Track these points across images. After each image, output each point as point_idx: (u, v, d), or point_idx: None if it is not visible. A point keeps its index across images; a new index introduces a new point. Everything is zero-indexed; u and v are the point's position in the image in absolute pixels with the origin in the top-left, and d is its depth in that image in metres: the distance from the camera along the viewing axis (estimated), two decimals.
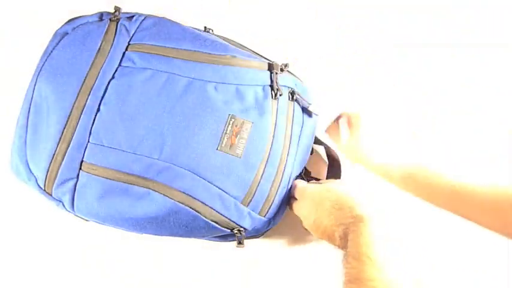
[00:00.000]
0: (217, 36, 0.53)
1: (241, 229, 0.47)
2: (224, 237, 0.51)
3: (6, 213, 0.62)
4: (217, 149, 0.45)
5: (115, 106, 0.46)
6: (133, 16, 0.50)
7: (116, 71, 0.47)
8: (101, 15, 0.51)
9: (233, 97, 0.47)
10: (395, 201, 0.56)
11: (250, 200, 0.47)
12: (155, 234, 0.48)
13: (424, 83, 0.69)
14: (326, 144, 0.61)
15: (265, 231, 0.52)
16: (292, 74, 0.53)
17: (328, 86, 0.66)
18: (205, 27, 0.55)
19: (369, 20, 0.73)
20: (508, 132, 0.66)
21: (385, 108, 0.67)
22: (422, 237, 0.57)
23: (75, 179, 0.46)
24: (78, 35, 0.49)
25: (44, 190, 0.47)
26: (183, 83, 0.46)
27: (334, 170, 0.58)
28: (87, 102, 0.46)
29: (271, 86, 0.48)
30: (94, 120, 0.46)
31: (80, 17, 0.51)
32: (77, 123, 0.45)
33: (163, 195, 0.44)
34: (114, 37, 0.48)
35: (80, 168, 0.46)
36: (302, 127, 0.52)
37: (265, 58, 0.52)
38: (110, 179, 0.45)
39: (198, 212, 0.45)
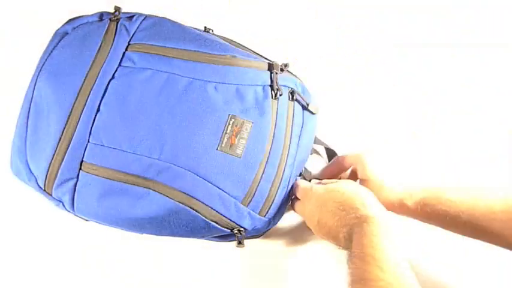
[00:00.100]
0: (217, 36, 0.53)
1: (241, 229, 0.47)
2: (224, 237, 0.51)
3: (6, 213, 0.62)
4: (217, 149, 0.45)
5: (115, 106, 0.46)
6: (133, 16, 0.50)
7: (116, 71, 0.47)
8: (101, 15, 0.51)
9: (233, 97, 0.47)
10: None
11: (250, 200, 0.47)
12: (155, 234, 0.48)
13: (424, 83, 0.69)
14: (326, 144, 0.61)
15: (265, 231, 0.52)
16: (292, 74, 0.53)
17: (328, 86, 0.66)
18: (205, 27, 0.55)
19: (369, 20, 0.73)
20: (508, 132, 0.66)
21: (385, 108, 0.67)
22: (426, 237, 0.57)
23: (75, 179, 0.46)
24: (78, 35, 0.49)
25: (44, 190, 0.47)
26: (183, 83, 0.46)
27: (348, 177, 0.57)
28: (87, 102, 0.46)
29: (271, 86, 0.48)
30: (94, 120, 0.46)
31: (80, 17, 0.51)
32: (77, 123, 0.45)
33: (163, 195, 0.44)
34: (114, 37, 0.48)
35: (80, 168, 0.46)
36: (302, 127, 0.52)
37: (265, 58, 0.52)
38: (109, 179, 0.45)
39: (198, 212, 0.45)
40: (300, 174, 0.54)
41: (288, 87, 0.50)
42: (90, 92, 0.46)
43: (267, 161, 0.47)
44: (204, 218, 0.45)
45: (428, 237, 0.57)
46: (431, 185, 0.49)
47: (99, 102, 0.46)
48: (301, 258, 0.59)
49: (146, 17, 0.51)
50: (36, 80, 0.48)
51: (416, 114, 0.67)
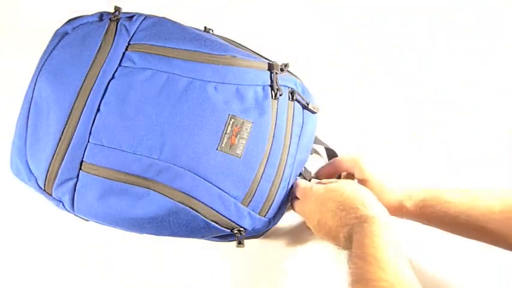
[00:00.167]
0: (217, 36, 0.53)
1: (241, 229, 0.47)
2: (224, 237, 0.51)
3: (6, 213, 0.62)
4: (217, 149, 0.45)
5: (115, 106, 0.46)
6: (133, 16, 0.50)
7: (116, 71, 0.47)
8: (101, 15, 0.51)
9: (233, 97, 0.47)
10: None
11: (250, 200, 0.47)
12: (155, 234, 0.48)
13: (424, 83, 0.69)
14: (326, 144, 0.61)
15: (265, 231, 0.52)
16: (292, 74, 0.53)
17: (328, 86, 0.66)
18: (205, 27, 0.55)
19: (369, 20, 0.73)
20: (508, 132, 0.66)
21: (385, 108, 0.67)
22: (426, 236, 0.57)
23: (75, 179, 0.46)
24: (78, 35, 0.49)
25: (44, 190, 0.47)
26: (183, 83, 0.46)
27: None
28: (87, 102, 0.46)
29: (271, 86, 0.48)
30: (94, 120, 0.46)
31: (80, 17, 0.51)
32: (77, 123, 0.45)
33: (163, 195, 0.44)
34: (114, 37, 0.48)
35: (80, 168, 0.46)
36: (302, 127, 0.52)
37: (265, 58, 0.52)
38: (109, 179, 0.45)
39: (198, 212, 0.45)
40: (300, 174, 0.54)
41: (288, 87, 0.50)
42: (90, 92, 0.46)
43: (267, 161, 0.47)
44: (204, 218, 0.45)
45: (428, 237, 0.57)
46: (431, 187, 0.49)
47: (99, 102, 0.46)
48: (301, 258, 0.59)
49: (146, 17, 0.51)
50: (36, 80, 0.48)
51: (416, 114, 0.67)
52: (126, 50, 0.48)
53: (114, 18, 0.49)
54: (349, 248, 0.41)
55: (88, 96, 0.46)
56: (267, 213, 0.48)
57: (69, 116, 0.46)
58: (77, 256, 0.59)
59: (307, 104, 0.52)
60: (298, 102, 0.51)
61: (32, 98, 0.47)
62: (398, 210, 0.48)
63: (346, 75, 0.69)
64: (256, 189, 0.47)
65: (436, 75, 0.69)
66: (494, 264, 0.57)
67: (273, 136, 0.48)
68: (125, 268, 0.59)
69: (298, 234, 0.60)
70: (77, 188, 0.46)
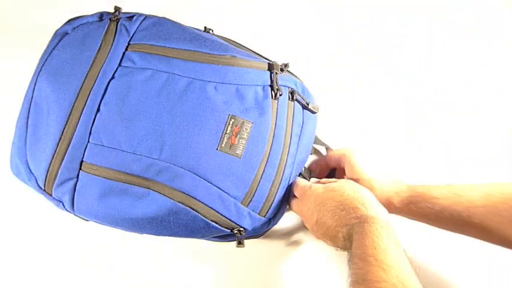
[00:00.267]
0: (217, 36, 0.53)
1: (241, 229, 0.47)
2: (224, 237, 0.51)
3: (6, 213, 0.62)
4: (217, 149, 0.45)
5: (115, 106, 0.46)
6: (133, 16, 0.50)
7: (116, 71, 0.47)
8: (101, 15, 0.51)
9: (233, 97, 0.47)
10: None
11: (250, 200, 0.47)
12: (155, 234, 0.48)
13: (424, 83, 0.69)
14: (326, 144, 0.61)
15: (265, 231, 0.52)
16: (292, 74, 0.53)
17: (328, 86, 0.66)
18: (205, 27, 0.55)
19: (369, 20, 0.73)
20: (508, 132, 0.66)
21: (385, 108, 0.67)
22: (426, 236, 0.57)
23: (75, 179, 0.46)
24: (78, 35, 0.49)
25: (44, 190, 0.47)
26: (183, 83, 0.46)
27: (334, 169, 0.58)
28: (87, 102, 0.46)
29: (271, 86, 0.48)
30: (94, 120, 0.46)
31: (80, 17, 0.51)
32: (77, 123, 0.46)
33: (163, 195, 0.44)
34: (114, 37, 0.48)
35: (80, 168, 0.46)
36: (302, 127, 0.52)
37: (265, 58, 0.52)
38: (109, 179, 0.45)
39: (198, 212, 0.45)
40: (300, 174, 0.54)
41: (288, 87, 0.50)
42: (90, 92, 0.46)
43: (267, 161, 0.47)
44: (203, 218, 0.45)
45: (428, 237, 0.57)
46: (417, 183, 0.50)
47: (99, 102, 0.46)
48: (301, 258, 0.59)
49: (146, 17, 0.51)
50: (36, 80, 0.48)
51: (416, 114, 0.67)
52: (126, 50, 0.48)
53: (114, 18, 0.50)
54: (347, 248, 0.41)
55: (88, 96, 0.46)
56: (267, 213, 0.48)
57: (69, 116, 0.46)
58: (77, 256, 0.59)
59: (307, 104, 0.52)
60: (298, 102, 0.51)
61: (32, 98, 0.47)
62: (385, 207, 0.49)
63: (346, 75, 0.69)
64: (256, 189, 0.47)
65: (436, 75, 0.69)
66: (494, 264, 0.57)
67: (273, 136, 0.48)
68: (124, 268, 0.59)
69: (298, 234, 0.60)
70: (77, 188, 0.46)
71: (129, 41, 0.48)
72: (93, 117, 0.46)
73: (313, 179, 0.53)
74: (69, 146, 0.45)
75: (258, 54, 0.53)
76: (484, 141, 0.65)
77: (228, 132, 0.45)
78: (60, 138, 0.46)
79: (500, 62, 0.70)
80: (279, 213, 0.51)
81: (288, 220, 0.60)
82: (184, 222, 0.45)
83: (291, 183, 0.51)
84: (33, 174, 0.47)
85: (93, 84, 0.46)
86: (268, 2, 0.74)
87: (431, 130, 0.66)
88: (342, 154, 0.52)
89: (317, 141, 0.59)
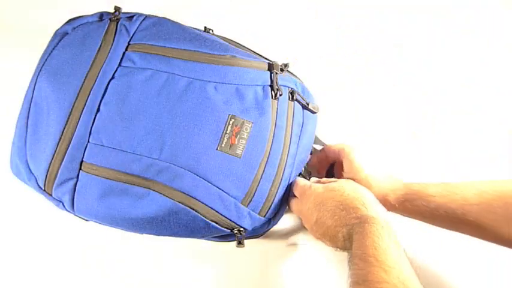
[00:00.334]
0: (217, 36, 0.53)
1: (241, 229, 0.47)
2: (224, 237, 0.51)
3: (6, 213, 0.62)
4: (217, 149, 0.45)
5: (115, 106, 0.46)
6: (133, 16, 0.50)
7: (116, 71, 0.47)
8: (101, 15, 0.51)
9: (233, 97, 0.47)
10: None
11: (250, 200, 0.47)
12: (155, 234, 0.48)
13: (424, 83, 0.69)
14: (326, 145, 0.61)
15: (265, 231, 0.52)
16: (292, 74, 0.53)
17: (328, 86, 0.66)
18: (205, 27, 0.55)
19: (369, 20, 0.73)
20: (508, 132, 0.66)
21: (385, 108, 0.67)
22: (426, 236, 0.57)
23: (75, 179, 0.46)
24: (78, 35, 0.49)
25: (44, 190, 0.47)
26: (183, 83, 0.46)
27: (334, 169, 0.58)
28: (87, 102, 0.46)
29: (271, 86, 0.48)
30: (94, 120, 0.46)
31: (80, 17, 0.51)
32: (77, 123, 0.45)
33: (163, 195, 0.44)
34: (114, 37, 0.48)
35: (80, 168, 0.46)
36: (302, 127, 0.52)
37: (265, 58, 0.52)
38: (109, 179, 0.45)
39: (198, 212, 0.45)
40: (300, 174, 0.54)
41: (288, 87, 0.50)
42: (90, 92, 0.46)
43: (267, 161, 0.47)
44: (203, 218, 0.45)
45: (428, 237, 0.57)
46: (413, 181, 0.50)
47: (99, 102, 0.46)
48: (301, 258, 0.59)
49: (146, 17, 0.51)
50: (36, 80, 0.48)
51: (416, 114, 0.67)
52: (126, 50, 0.48)
53: (114, 18, 0.49)
54: (347, 249, 0.41)
55: (88, 96, 0.46)
56: (267, 213, 0.48)
57: (69, 116, 0.46)
58: (77, 256, 0.59)
59: (307, 104, 0.52)
60: (298, 102, 0.51)
61: (32, 98, 0.47)
62: (381, 204, 0.49)
63: (346, 75, 0.69)
64: (256, 189, 0.47)
65: (436, 75, 0.69)
66: (494, 265, 0.57)
67: (273, 136, 0.48)
68: (125, 268, 0.59)
69: (298, 235, 0.60)
70: (77, 188, 0.46)
71: (129, 41, 0.48)
72: (93, 117, 0.46)
73: (313, 179, 0.53)
74: (69, 146, 0.45)
75: (258, 54, 0.53)
76: (484, 141, 0.65)
77: (228, 132, 0.45)
78: (60, 138, 0.46)
79: (500, 62, 0.70)
80: (279, 213, 0.51)
81: (288, 220, 0.60)
82: (184, 222, 0.45)
83: (291, 183, 0.51)
84: (33, 174, 0.47)
85: (93, 84, 0.46)
86: (268, 2, 0.74)
87: (431, 130, 0.66)
88: (341, 148, 0.52)
89: (317, 141, 0.59)
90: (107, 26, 0.49)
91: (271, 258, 0.59)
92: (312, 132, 0.55)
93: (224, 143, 0.45)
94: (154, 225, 0.46)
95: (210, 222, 0.45)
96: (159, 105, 0.45)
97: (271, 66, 0.49)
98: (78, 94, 0.46)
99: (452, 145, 0.65)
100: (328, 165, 0.58)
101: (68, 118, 0.46)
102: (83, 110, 0.46)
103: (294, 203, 0.50)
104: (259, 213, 0.48)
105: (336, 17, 0.73)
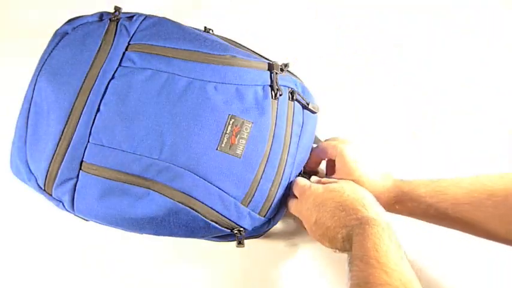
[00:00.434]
0: (217, 36, 0.53)
1: (241, 229, 0.47)
2: (224, 237, 0.51)
3: (6, 213, 0.62)
4: (217, 149, 0.45)
5: (115, 106, 0.46)
6: (133, 16, 0.50)
7: (116, 71, 0.47)
8: (101, 15, 0.51)
9: (233, 97, 0.47)
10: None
11: (250, 200, 0.47)
12: (155, 234, 0.48)
13: (424, 83, 0.69)
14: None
15: (265, 231, 0.52)
16: (292, 73, 0.53)
17: (328, 86, 0.66)
18: (205, 27, 0.55)
19: (369, 20, 0.73)
20: (508, 132, 0.66)
21: (385, 108, 0.67)
22: (427, 237, 0.57)
23: (75, 179, 0.46)
24: (78, 35, 0.49)
25: (44, 190, 0.47)
26: (183, 83, 0.46)
27: (327, 166, 0.58)
28: (87, 102, 0.46)
29: (271, 86, 0.48)
30: (94, 120, 0.46)
31: (80, 17, 0.51)
32: (77, 123, 0.46)
33: (163, 195, 0.44)
34: (114, 37, 0.48)
35: (80, 168, 0.46)
36: (302, 127, 0.52)
37: (265, 58, 0.52)
38: (109, 179, 0.45)
39: (198, 212, 0.45)
40: (300, 174, 0.54)
41: (288, 87, 0.50)
42: (90, 92, 0.46)
43: (267, 161, 0.47)
44: (203, 218, 0.45)
45: (429, 238, 0.57)
46: (404, 179, 0.50)
47: (99, 102, 0.46)
48: (301, 258, 0.59)
49: (146, 17, 0.51)
50: (36, 80, 0.48)
51: (416, 114, 0.67)
52: (126, 50, 0.48)
53: (114, 18, 0.50)
54: (346, 250, 0.41)
55: (88, 96, 0.46)
56: (267, 213, 0.48)
57: (69, 116, 0.46)
58: (77, 256, 0.59)
59: (307, 104, 0.52)
60: (298, 102, 0.51)
61: (32, 98, 0.47)
62: None
63: (346, 75, 0.69)
64: (256, 189, 0.47)
65: (436, 75, 0.69)
66: (495, 268, 0.57)
67: (273, 136, 0.48)
68: (125, 268, 0.59)
69: (298, 235, 0.60)
70: (76, 188, 0.46)
71: (129, 41, 0.48)
72: (93, 117, 0.46)
73: (313, 178, 0.52)
74: (69, 146, 0.45)
75: (258, 54, 0.53)
76: (484, 141, 0.65)
77: (228, 132, 0.45)
78: (60, 138, 0.46)
79: (500, 62, 0.70)
80: (279, 213, 0.51)
81: (288, 220, 0.60)
82: (184, 222, 0.45)
83: (291, 183, 0.51)
84: (33, 174, 0.47)
85: (93, 84, 0.46)
86: (268, 2, 0.74)
87: (431, 130, 0.66)
88: (335, 145, 0.51)
89: (317, 141, 0.59)
90: (107, 26, 0.49)
91: (271, 258, 0.59)
92: (312, 132, 0.55)
93: (224, 143, 0.45)
94: (154, 225, 0.46)
95: (210, 222, 0.45)
96: (159, 105, 0.45)
97: (271, 66, 0.49)
98: (78, 94, 0.46)
99: (452, 145, 0.65)
100: (320, 162, 0.57)
101: (68, 118, 0.46)
102: (83, 110, 0.46)
103: (293, 204, 0.50)
104: (259, 213, 0.48)
105: (336, 17, 0.73)
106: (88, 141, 0.45)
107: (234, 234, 0.47)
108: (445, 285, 0.56)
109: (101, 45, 0.48)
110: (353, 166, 0.49)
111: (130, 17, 0.50)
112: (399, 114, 0.67)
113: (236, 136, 0.46)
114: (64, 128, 0.46)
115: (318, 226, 0.45)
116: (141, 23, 0.50)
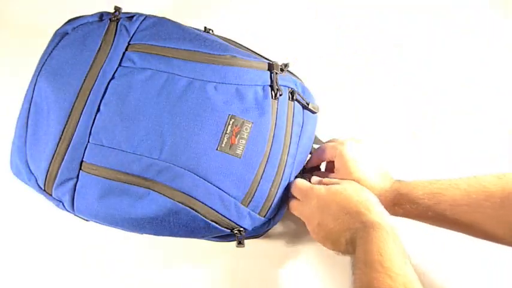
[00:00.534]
0: (217, 36, 0.53)
1: (241, 229, 0.47)
2: (224, 237, 0.51)
3: (6, 213, 0.62)
4: (217, 149, 0.45)
5: (115, 106, 0.46)
6: (133, 16, 0.50)
7: (116, 71, 0.47)
8: (101, 15, 0.51)
9: (233, 97, 0.47)
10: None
11: (250, 200, 0.47)
12: (155, 234, 0.48)
13: (424, 83, 0.69)
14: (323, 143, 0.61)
15: (266, 231, 0.52)
16: (292, 73, 0.53)
17: (328, 86, 0.66)
18: (205, 27, 0.55)
19: (369, 20, 0.73)
20: (508, 132, 0.66)
21: (385, 108, 0.67)
22: (428, 239, 0.57)
23: (75, 179, 0.46)
24: (78, 35, 0.49)
25: (44, 190, 0.47)
26: (183, 83, 0.46)
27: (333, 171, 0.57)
28: (87, 102, 0.46)
29: (271, 86, 0.48)
30: (94, 120, 0.46)
31: (80, 17, 0.51)
32: (77, 123, 0.45)
33: (163, 195, 0.44)
34: (114, 37, 0.48)
35: (80, 168, 0.46)
36: (302, 127, 0.52)
37: (265, 58, 0.52)
38: (109, 179, 0.45)
39: (198, 212, 0.44)
40: (300, 174, 0.53)
41: (288, 87, 0.50)
42: (90, 92, 0.46)
43: (267, 161, 0.47)
44: (204, 218, 0.45)
45: (430, 240, 0.57)
46: (402, 181, 0.49)
47: (99, 102, 0.46)
48: (301, 259, 0.59)
49: (146, 17, 0.51)
50: (36, 80, 0.48)
51: (416, 114, 0.67)
52: (126, 50, 0.48)
53: (114, 18, 0.49)
54: (349, 253, 0.40)
55: (88, 96, 0.46)
56: (267, 213, 0.48)
57: (69, 116, 0.46)
58: (77, 256, 0.59)
59: (307, 104, 0.52)
60: (298, 102, 0.51)
61: (32, 98, 0.47)
62: None
63: (346, 75, 0.69)
64: (256, 189, 0.47)
65: (436, 75, 0.69)
66: (497, 271, 0.57)
67: (273, 136, 0.48)
68: (125, 268, 0.59)
69: (298, 235, 0.60)
70: (76, 188, 0.46)
71: (129, 41, 0.48)
72: (93, 117, 0.46)
73: (314, 179, 0.52)
74: (69, 146, 0.45)
75: (258, 54, 0.53)
76: (484, 141, 0.65)
77: (228, 132, 0.45)
78: (60, 138, 0.46)
79: (500, 62, 0.70)
80: (279, 213, 0.51)
81: (288, 220, 0.60)
82: (184, 222, 0.45)
83: (291, 183, 0.51)
84: (33, 174, 0.47)
85: (93, 84, 0.46)
86: (268, 2, 0.74)
87: (431, 130, 0.66)
88: (334, 146, 0.51)
89: (317, 141, 0.59)
90: (107, 26, 0.49)
91: (271, 258, 0.59)
92: (312, 132, 0.55)
93: (224, 143, 0.45)
94: (154, 225, 0.46)
95: (210, 222, 0.45)
96: (159, 105, 0.45)
97: (271, 66, 0.49)
98: (78, 94, 0.46)
99: (452, 145, 0.65)
100: (320, 163, 0.57)
101: (68, 118, 0.46)
102: (83, 110, 0.46)
103: (294, 205, 0.50)
104: (259, 213, 0.48)
105: (336, 17, 0.73)
106: (88, 141, 0.45)
107: (234, 234, 0.47)
108: (446, 285, 0.56)
109: (101, 45, 0.48)
110: (353, 166, 0.48)
111: (131, 17, 0.50)
112: (399, 114, 0.67)
113: (236, 136, 0.46)
114: (64, 128, 0.46)
115: (321, 228, 0.44)
116: (141, 23, 0.50)
